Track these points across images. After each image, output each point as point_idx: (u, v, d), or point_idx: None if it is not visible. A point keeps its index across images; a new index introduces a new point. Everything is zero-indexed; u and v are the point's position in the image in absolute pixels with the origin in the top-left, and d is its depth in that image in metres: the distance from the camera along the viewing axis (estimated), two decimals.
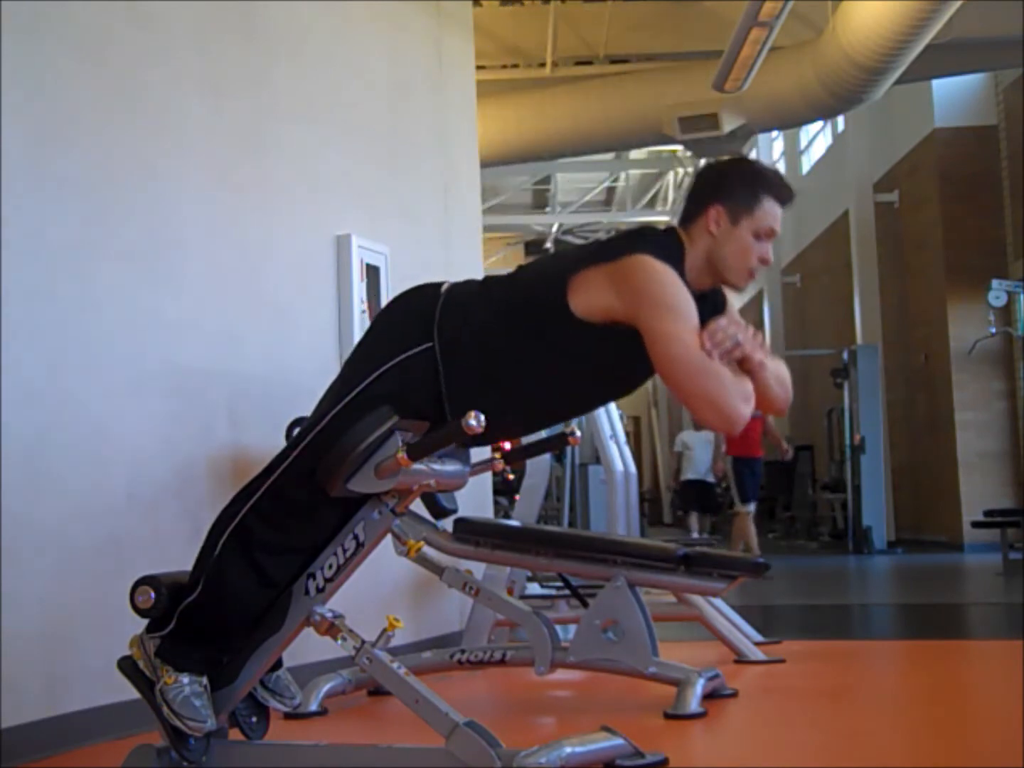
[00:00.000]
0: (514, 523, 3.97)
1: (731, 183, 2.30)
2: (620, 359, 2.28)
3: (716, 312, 2.30)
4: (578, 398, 2.43)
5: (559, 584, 4.16)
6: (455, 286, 2.38)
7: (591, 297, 2.21)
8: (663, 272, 2.19)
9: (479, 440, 2.32)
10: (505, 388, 2.29)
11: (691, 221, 2.31)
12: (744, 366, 2.22)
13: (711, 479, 11.89)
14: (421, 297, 2.39)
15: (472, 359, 2.27)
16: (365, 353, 2.38)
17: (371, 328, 2.50)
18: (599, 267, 2.23)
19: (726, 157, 2.37)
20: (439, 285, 2.39)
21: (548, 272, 2.34)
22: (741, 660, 4.13)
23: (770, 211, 2.29)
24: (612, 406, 4.64)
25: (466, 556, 3.42)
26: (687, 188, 2.40)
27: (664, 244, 2.27)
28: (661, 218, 24.87)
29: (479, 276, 5.27)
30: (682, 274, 2.24)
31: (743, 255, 2.28)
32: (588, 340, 2.24)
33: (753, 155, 19.48)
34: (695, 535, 12.20)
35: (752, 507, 9.42)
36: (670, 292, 2.18)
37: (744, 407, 2.15)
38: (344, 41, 4.42)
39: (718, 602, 4.25)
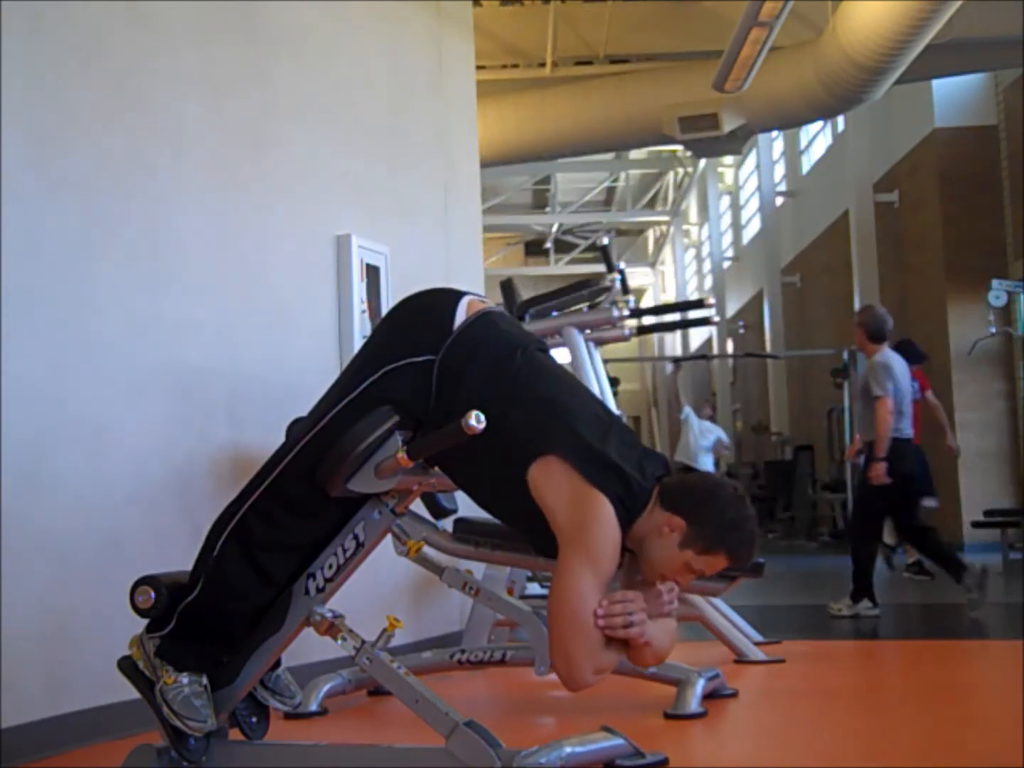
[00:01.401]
0: None
1: (708, 516, 2.23)
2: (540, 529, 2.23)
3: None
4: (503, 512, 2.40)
5: None
6: (485, 321, 2.31)
7: (544, 485, 2.17)
8: (609, 529, 2.15)
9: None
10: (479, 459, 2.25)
11: (664, 506, 2.24)
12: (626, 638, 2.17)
13: (699, 465, 11.65)
14: (435, 305, 2.35)
15: (454, 407, 2.20)
16: (369, 353, 2.37)
17: (378, 328, 2.49)
18: (570, 473, 2.17)
19: (731, 491, 2.28)
20: (457, 296, 2.34)
21: (540, 423, 2.23)
22: (741, 660, 4.13)
23: (716, 563, 2.25)
24: (612, 405, 4.64)
25: (466, 556, 3.41)
26: (692, 481, 2.34)
27: (636, 493, 2.22)
28: (661, 218, 24.95)
29: (480, 278, 5.27)
30: (630, 522, 2.20)
31: (667, 569, 2.24)
32: (525, 497, 2.20)
33: (753, 155, 19.48)
34: None
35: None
36: (603, 548, 2.14)
37: (591, 679, 2.13)
38: (344, 41, 4.42)
39: (718, 602, 4.25)
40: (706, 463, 11.45)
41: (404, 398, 2.26)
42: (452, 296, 2.36)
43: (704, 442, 11.49)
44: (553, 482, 2.18)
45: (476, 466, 2.28)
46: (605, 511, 2.16)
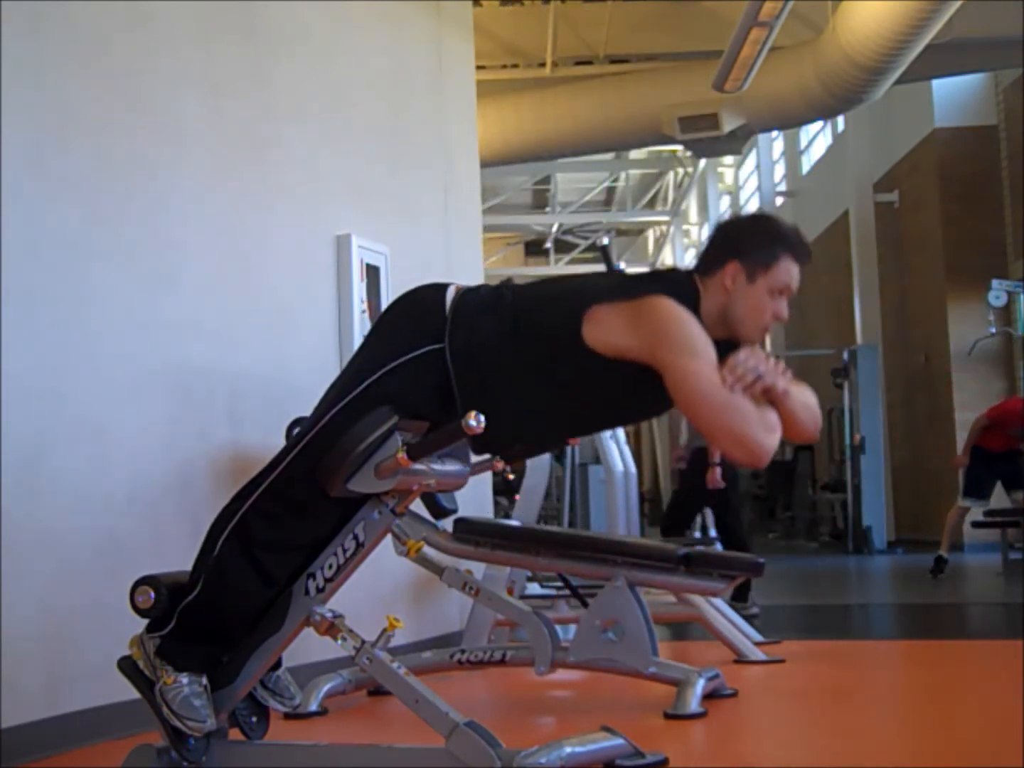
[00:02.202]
0: (514, 523, 3.97)
1: (750, 240, 2.31)
2: (629, 393, 2.28)
3: (732, 349, 2.29)
4: (586, 422, 2.43)
5: (559, 584, 4.16)
6: (466, 293, 2.36)
7: (606, 333, 2.22)
8: (681, 313, 2.20)
9: (497, 452, 2.35)
10: (515, 407, 2.29)
11: (708, 273, 2.32)
12: (768, 396, 2.22)
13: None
14: (424, 299, 2.38)
15: (483, 372, 2.27)
16: (367, 354, 2.38)
17: (373, 329, 2.50)
18: (616, 304, 2.23)
19: (747, 213, 2.38)
20: (442, 287, 2.38)
21: (563, 300, 2.31)
22: (741, 660, 4.13)
23: (787, 270, 2.31)
24: None
25: (466, 556, 3.42)
26: (707, 239, 2.39)
27: (681, 289, 2.28)
28: (661, 218, 24.94)
29: (480, 278, 5.28)
30: (695, 309, 2.25)
31: (758, 313, 2.29)
32: (598, 372, 2.24)
33: (753, 155, 19.49)
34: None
35: (970, 503, 8.30)
36: (688, 331, 2.19)
37: (769, 439, 2.16)
38: (344, 41, 4.42)
39: (718, 602, 4.26)
40: None
41: (406, 395, 2.26)
42: (439, 287, 2.39)
43: None
44: (609, 324, 2.21)
45: (522, 371, 2.27)
46: (666, 303, 2.19)
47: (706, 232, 24.61)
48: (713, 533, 6.61)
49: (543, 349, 2.26)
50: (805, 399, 2.31)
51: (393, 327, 2.39)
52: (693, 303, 2.27)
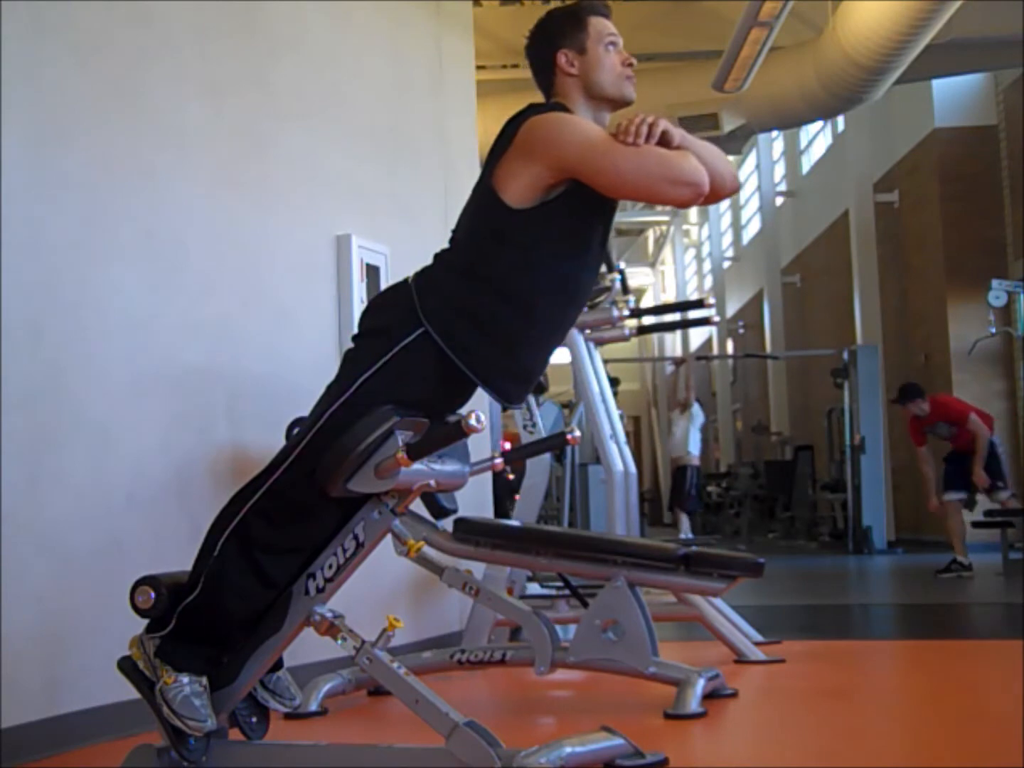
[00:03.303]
0: (514, 523, 3.97)
1: (555, 27, 2.45)
2: (579, 222, 2.36)
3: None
4: (571, 282, 2.43)
5: (559, 584, 4.16)
6: (419, 271, 2.42)
7: (517, 180, 2.29)
8: (557, 115, 2.34)
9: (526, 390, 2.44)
10: (510, 304, 2.32)
11: (551, 80, 2.45)
12: (667, 146, 2.30)
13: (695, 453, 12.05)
14: (392, 293, 2.43)
15: (467, 303, 2.30)
16: (356, 356, 2.38)
17: (356, 335, 2.49)
18: (507, 153, 2.31)
19: (536, 22, 2.51)
20: (404, 278, 2.42)
21: (475, 193, 2.40)
22: (741, 660, 4.12)
23: (600, 25, 2.44)
24: (612, 406, 4.64)
25: (466, 556, 3.42)
26: (529, 60, 2.51)
27: (549, 106, 2.40)
28: (661, 218, 24.93)
29: None
30: (554, 102, 2.42)
31: (607, 69, 2.42)
32: (542, 224, 2.30)
33: (753, 155, 19.48)
34: (685, 535, 12.22)
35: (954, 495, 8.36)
36: (573, 125, 2.32)
37: (697, 166, 2.25)
38: (344, 41, 4.42)
39: (718, 602, 4.25)
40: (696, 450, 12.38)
41: (403, 385, 2.27)
42: (399, 282, 2.43)
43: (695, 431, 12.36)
44: (512, 170, 2.29)
45: (509, 284, 2.33)
46: (540, 118, 2.32)
47: (706, 232, 24.65)
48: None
49: (488, 246, 2.32)
50: (705, 151, 2.37)
51: (372, 327, 2.39)
52: (548, 93, 2.44)
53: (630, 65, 2.44)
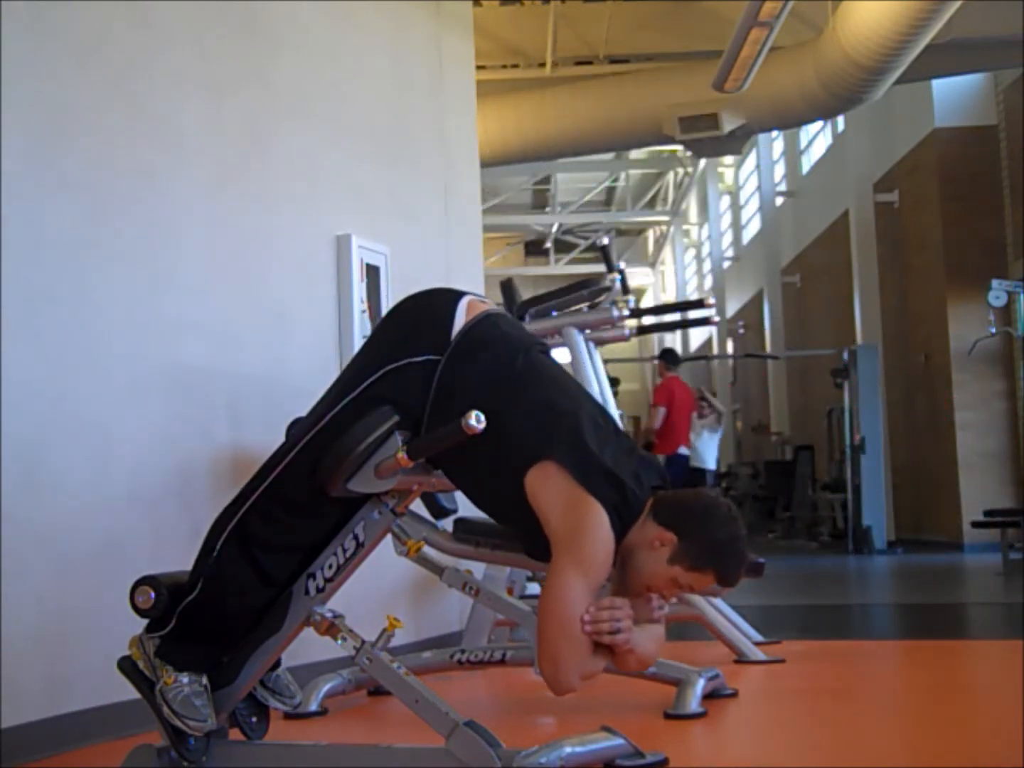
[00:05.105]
0: None
1: (700, 534, 2.23)
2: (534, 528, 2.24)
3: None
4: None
5: None
6: (478, 324, 2.31)
7: (540, 490, 2.18)
8: (604, 534, 2.16)
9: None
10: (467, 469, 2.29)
11: (656, 516, 2.25)
12: (610, 644, 2.18)
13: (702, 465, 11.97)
14: (433, 307, 2.36)
15: (455, 408, 2.20)
16: (368, 354, 2.37)
17: (378, 328, 2.49)
18: (566, 476, 2.18)
19: (715, 504, 2.30)
20: (455, 298, 2.35)
21: (538, 426, 2.24)
22: (741, 660, 4.12)
23: (704, 581, 2.26)
24: (612, 406, 4.63)
25: (466, 556, 3.41)
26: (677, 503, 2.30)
27: (630, 506, 2.23)
28: (661, 218, 24.94)
29: (480, 278, 5.27)
30: (624, 531, 2.22)
31: (654, 583, 2.25)
32: (519, 500, 2.21)
33: (753, 155, 19.47)
34: None
35: None
36: (596, 554, 2.16)
37: (577, 684, 2.17)
38: (344, 40, 4.42)
39: (718, 602, 4.25)
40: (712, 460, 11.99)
41: (404, 398, 2.26)
42: (452, 296, 2.36)
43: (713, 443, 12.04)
44: (550, 487, 2.18)
45: (475, 467, 2.28)
46: (600, 519, 2.16)
47: (706, 232, 24.63)
48: None
49: (496, 453, 2.22)
50: (643, 652, 2.23)
51: (398, 328, 2.37)
52: (630, 521, 2.23)
53: (663, 599, 2.28)
